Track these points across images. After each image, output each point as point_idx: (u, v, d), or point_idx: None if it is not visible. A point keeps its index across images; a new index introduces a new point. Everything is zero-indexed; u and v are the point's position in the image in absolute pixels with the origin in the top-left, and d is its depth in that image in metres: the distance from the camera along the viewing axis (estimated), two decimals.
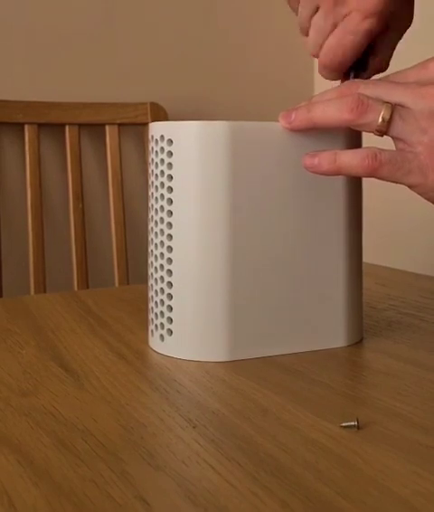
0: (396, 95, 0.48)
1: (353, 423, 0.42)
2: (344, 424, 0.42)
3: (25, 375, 0.52)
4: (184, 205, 0.54)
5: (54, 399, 0.47)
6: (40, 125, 1.24)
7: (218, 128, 0.53)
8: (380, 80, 0.52)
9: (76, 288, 1.23)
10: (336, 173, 0.51)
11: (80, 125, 1.27)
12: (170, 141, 0.54)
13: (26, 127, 1.22)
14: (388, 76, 0.52)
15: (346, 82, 0.53)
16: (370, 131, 0.49)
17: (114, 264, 1.27)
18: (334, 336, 0.58)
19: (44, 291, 1.20)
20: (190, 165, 0.53)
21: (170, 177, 0.54)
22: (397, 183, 0.49)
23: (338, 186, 0.56)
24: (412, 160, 0.48)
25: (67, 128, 1.26)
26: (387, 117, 0.48)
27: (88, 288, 1.24)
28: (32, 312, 0.70)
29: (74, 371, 0.52)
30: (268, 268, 0.55)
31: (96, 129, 1.31)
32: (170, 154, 0.54)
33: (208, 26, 1.42)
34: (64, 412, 0.44)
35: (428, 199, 0.50)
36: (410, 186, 0.49)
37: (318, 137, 0.55)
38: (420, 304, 0.74)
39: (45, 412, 0.44)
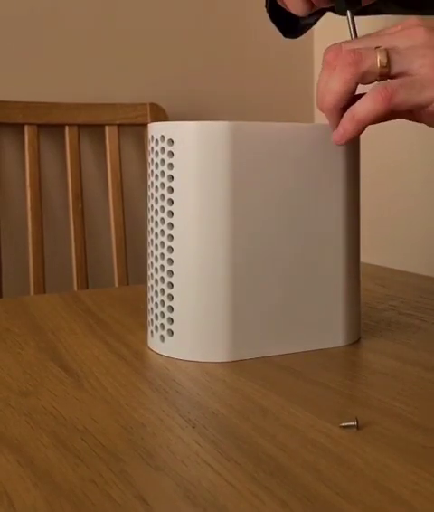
0: (384, 42, 0.50)
1: (352, 423, 0.42)
2: (343, 424, 0.42)
3: (25, 376, 0.52)
4: (185, 206, 0.54)
5: (54, 399, 0.47)
6: (39, 125, 1.24)
7: (218, 128, 0.53)
8: (360, 37, 0.53)
9: (76, 288, 1.23)
10: (364, 124, 0.50)
11: (80, 125, 1.27)
12: (170, 141, 0.54)
13: (26, 127, 1.22)
14: (366, 35, 0.53)
15: (328, 49, 0.52)
16: (374, 79, 0.49)
17: (114, 264, 1.27)
18: (333, 335, 0.58)
19: (44, 292, 1.20)
20: (190, 165, 0.53)
21: (170, 178, 0.54)
22: (415, 106, 0.49)
23: (337, 186, 0.57)
24: (422, 78, 0.48)
25: (67, 128, 1.26)
26: (384, 58, 0.49)
27: (87, 288, 1.24)
28: (31, 312, 0.70)
29: (74, 371, 0.52)
30: (268, 268, 0.55)
31: (95, 130, 1.31)
32: (170, 154, 0.54)
33: (208, 26, 1.42)
34: (64, 412, 0.44)
35: None
36: (425, 105, 0.49)
37: (316, 135, 0.55)
38: (420, 304, 0.74)
39: (45, 413, 0.44)
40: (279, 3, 0.65)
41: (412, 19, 0.51)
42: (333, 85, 0.50)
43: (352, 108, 0.50)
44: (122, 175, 1.30)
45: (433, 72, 0.48)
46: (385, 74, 0.49)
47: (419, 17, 0.51)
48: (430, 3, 0.77)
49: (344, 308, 0.58)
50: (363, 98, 0.49)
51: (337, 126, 0.51)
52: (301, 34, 0.79)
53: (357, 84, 0.50)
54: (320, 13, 0.67)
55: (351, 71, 0.49)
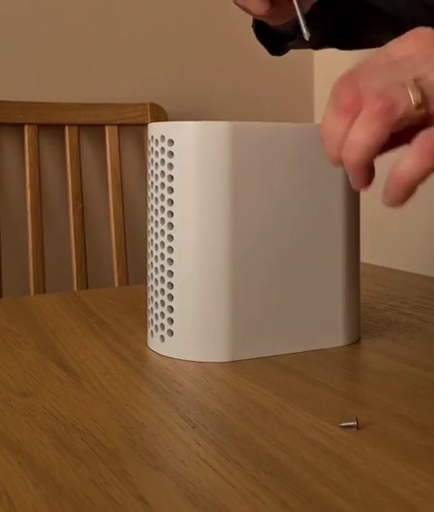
0: (407, 71, 0.41)
1: (352, 423, 0.42)
2: (343, 424, 0.42)
3: (25, 376, 0.52)
4: (185, 206, 0.54)
5: (54, 399, 0.47)
6: (40, 125, 1.24)
7: (218, 128, 0.53)
8: (370, 66, 0.43)
9: (76, 288, 1.23)
10: (414, 187, 0.41)
11: (80, 125, 1.27)
12: (171, 141, 0.54)
13: (26, 127, 1.22)
14: (367, 62, 0.43)
15: (339, 86, 0.42)
16: (413, 122, 0.41)
17: (114, 264, 1.27)
18: (333, 335, 0.58)
19: (44, 292, 1.20)
20: (190, 165, 0.53)
21: (170, 178, 0.54)
22: None
23: (337, 186, 0.57)
24: None
25: (67, 128, 1.26)
26: (418, 97, 0.40)
27: (87, 288, 1.24)
28: (31, 312, 0.70)
29: (74, 371, 0.52)
30: (268, 268, 0.55)
31: (96, 130, 1.31)
32: (170, 154, 0.54)
33: (208, 26, 1.42)
34: (64, 412, 0.44)
35: None
36: None
37: (316, 135, 0.55)
38: (420, 304, 0.74)
39: (45, 413, 0.44)
40: (239, 5, 0.63)
41: (423, 34, 0.42)
42: (360, 137, 0.41)
43: (395, 171, 0.41)
44: (122, 175, 1.30)
45: None
46: (424, 113, 0.40)
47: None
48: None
49: (344, 308, 0.58)
50: (404, 156, 0.41)
51: (363, 181, 0.44)
52: (286, 53, 0.79)
53: (394, 130, 0.41)
54: (303, 42, 0.62)
55: (383, 122, 0.40)
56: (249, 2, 0.60)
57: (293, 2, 0.59)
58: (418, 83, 0.40)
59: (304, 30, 0.57)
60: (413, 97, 0.40)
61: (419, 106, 0.40)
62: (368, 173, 0.43)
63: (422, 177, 0.40)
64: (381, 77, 0.41)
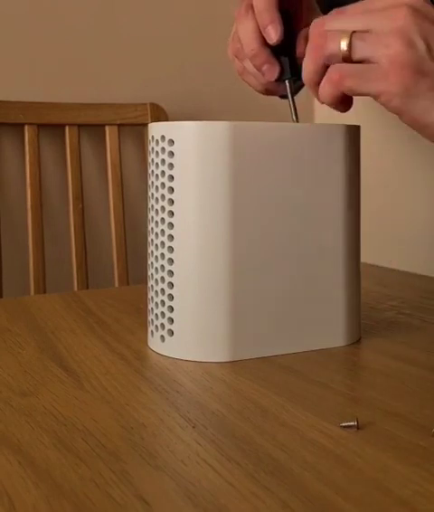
0: (360, 22, 0.49)
1: (352, 423, 0.42)
2: (343, 424, 0.42)
3: (25, 376, 0.52)
4: (186, 206, 0.54)
5: (54, 399, 0.47)
6: (40, 125, 1.24)
7: (219, 128, 0.53)
8: (348, 9, 0.52)
9: (76, 288, 1.23)
10: (332, 104, 0.52)
11: (80, 125, 1.27)
12: (171, 141, 0.54)
13: (26, 127, 1.22)
14: (346, 8, 0.52)
15: (313, 24, 0.52)
16: (339, 61, 0.50)
17: (114, 264, 1.27)
18: (334, 335, 0.58)
19: (44, 292, 1.20)
20: (191, 165, 0.53)
21: (171, 178, 0.54)
22: (364, 95, 0.49)
23: (337, 186, 0.57)
24: (375, 68, 0.48)
25: (67, 128, 1.26)
26: (346, 45, 0.49)
27: (88, 288, 1.24)
28: (31, 313, 0.70)
29: (74, 371, 0.52)
30: (268, 268, 0.55)
31: (96, 130, 1.31)
32: (171, 154, 0.54)
33: (207, 26, 1.42)
34: (64, 412, 0.44)
35: (392, 108, 0.49)
36: (374, 96, 0.49)
37: (316, 135, 0.55)
38: (420, 304, 0.74)
39: (45, 413, 0.44)
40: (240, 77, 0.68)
41: None
42: (306, 63, 0.52)
43: (319, 88, 0.52)
44: (122, 176, 1.30)
45: (389, 65, 0.47)
46: (348, 59, 0.49)
47: None
48: None
49: (344, 308, 0.58)
50: (324, 77, 0.51)
51: (317, 97, 0.53)
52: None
53: (325, 64, 0.51)
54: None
55: (316, 54, 0.51)
56: (246, 80, 0.67)
57: (286, 84, 0.62)
58: (355, 36, 0.49)
59: (293, 117, 0.61)
60: (342, 42, 0.49)
61: (344, 51, 0.49)
62: (317, 87, 0.53)
63: (333, 99, 0.51)
64: (340, 23, 0.50)
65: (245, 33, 0.62)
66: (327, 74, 0.50)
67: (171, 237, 0.55)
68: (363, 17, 0.50)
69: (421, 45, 0.47)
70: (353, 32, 0.49)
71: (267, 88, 0.65)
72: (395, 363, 0.55)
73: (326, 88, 0.50)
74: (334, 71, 0.50)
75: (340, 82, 0.49)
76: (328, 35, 0.50)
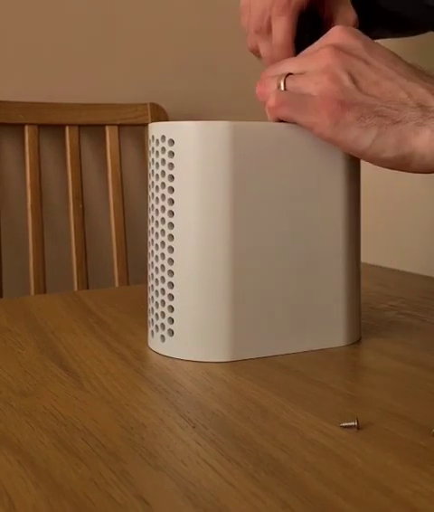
0: (296, 66, 0.55)
1: (352, 424, 0.42)
2: (343, 424, 0.42)
3: (25, 376, 0.52)
4: (186, 206, 0.54)
5: (54, 399, 0.47)
6: (40, 126, 1.24)
7: (219, 128, 0.53)
8: (293, 57, 0.58)
9: (76, 288, 1.23)
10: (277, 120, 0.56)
11: (80, 126, 1.27)
12: (171, 141, 0.54)
13: (26, 127, 1.22)
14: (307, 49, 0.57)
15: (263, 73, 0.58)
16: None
17: (114, 264, 1.27)
18: (334, 335, 0.58)
19: (44, 291, 1.20)
20: (191, 165, 0.53)
21: (171, 177, 0.54)
22: (297, 123, 0.53)
23: (338, 187, 0.57)
24: (308, 102, 0.52)
25: (67, 128, 1.26)
26: (281, 84, 0.54)
27: (88, 288, 1.24)
28: (32, 313, 0.70)
29: (74, 371, 0.52)
30: (269, 268, 0.55)
31: (96, 130, 1.31)
32: (171, 154, 0.54)
33: (207, 26, 1.42)
34: (64, 412, 0.44)
35: (326, 139, 0.52)
36: (308, 128, 0.53)
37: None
38: (420, 304, 0.74)
39: (45, 413, 0.44)
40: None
41: (332, 34, 0.54)
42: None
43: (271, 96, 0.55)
44: (122, 175, 1.30)
45: (320, 99, 0.51)
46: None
47: (343, 28, 0.54)
48: (422, 25, 0.78)
49: (344, 308, 0.58)
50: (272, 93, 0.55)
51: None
52: None
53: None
54: None
55: (260, 99, 0.56)
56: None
57: None
58: (289, 77, 0.54)
59: None
60: (277, 84, 0.54)
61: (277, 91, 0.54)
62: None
63: (275, 120, 0.55)
64: (278, 69, 0.56)
65: (278, 33, 0.63)
66: (267, 100, 0.54)
67: (171, 237, 0.55)
68: (298, 61, 0.55)
69: (346, 79, 0.51)
70: (289, 74, 0.54)
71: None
72: (395, 363, 0.55)
73: (268, 112, 0.55)
74: (271, 98, 0.54)
75: (276, 109, 0.53)
76: (266, 81, 0.56)
